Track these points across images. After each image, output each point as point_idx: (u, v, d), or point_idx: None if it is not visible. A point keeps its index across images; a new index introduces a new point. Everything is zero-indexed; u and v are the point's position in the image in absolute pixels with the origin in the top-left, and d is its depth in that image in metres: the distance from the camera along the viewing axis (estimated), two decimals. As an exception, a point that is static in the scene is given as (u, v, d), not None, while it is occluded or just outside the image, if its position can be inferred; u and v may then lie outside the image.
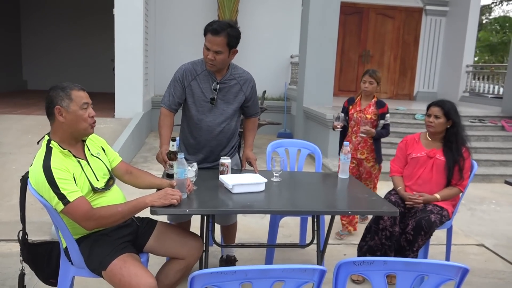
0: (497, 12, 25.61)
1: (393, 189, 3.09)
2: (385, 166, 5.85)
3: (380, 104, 3.65)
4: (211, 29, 2.44)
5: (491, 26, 23.21)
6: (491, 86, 8.93)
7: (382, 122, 3.63)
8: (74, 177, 1.93)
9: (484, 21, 23.42)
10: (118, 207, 1.96)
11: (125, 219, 2.02)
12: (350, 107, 3.73)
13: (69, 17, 11.60)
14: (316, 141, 6.04)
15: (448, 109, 2.89)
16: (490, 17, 24.10)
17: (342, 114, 3.68)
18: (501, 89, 8.63)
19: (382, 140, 6.76)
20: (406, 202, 2.91)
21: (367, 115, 3.62)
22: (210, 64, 2.51)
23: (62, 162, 1.92)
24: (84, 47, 11.68)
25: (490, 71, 9.20)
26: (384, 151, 6.31)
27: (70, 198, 1.86)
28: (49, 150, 1.94)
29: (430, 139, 3.02)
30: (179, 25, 9.34)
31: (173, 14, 9.34)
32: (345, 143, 2.81)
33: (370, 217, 3.46)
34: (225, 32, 2.44)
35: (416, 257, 2.75)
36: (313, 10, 7.05)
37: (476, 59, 21.46)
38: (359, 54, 10.05)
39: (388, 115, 3.64)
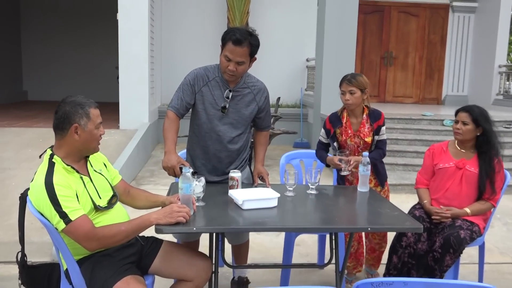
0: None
1: (418, 203, 3.07)
2: (411, 177, 5.85)
3: (374, 116, 3.04)
4: (234, 39, 2.45)
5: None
6: (528, 87, 8.82)
7: (376, 138, 3.04)
8: (76, 195, 1.97)
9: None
10: (121, 226, 1.99)
11: (129, 239, 2.05)
12: (338, 131, 3.07)
13: (71, 25, 11.81)
14: (335, 151, 6.02)
15: (477, 114, 2.86)
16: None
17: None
18: (539, 91, 8.52)
19: (408, 148, 6.62)
20: (433, 217, 2.88)
21: (365, 139, 3.01)
22: (230, 74, 2.55)
23: (64, 178, 1.96)
24: (87, 55, 11.89)
25: (525, 71, 9.09)
26: (409, 160, 6.34)
27: (72, 216, 1.90)
28: (51, 165, 1.99)
29: (459, 148, 3.00)
30: (187, 30, 9.47)
31: (180, 18, 9.47)
32: (364, 153, 2.80)
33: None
34: (247, 42, 2.48)
35: (443, 277, 2.71)
36: (330, 10, 7.08)
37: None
38: (381, 56, 10.03)
39: (384, 127, 3.06)
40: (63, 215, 1.89)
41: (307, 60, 9.71)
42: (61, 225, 1.90)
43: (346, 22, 7.08)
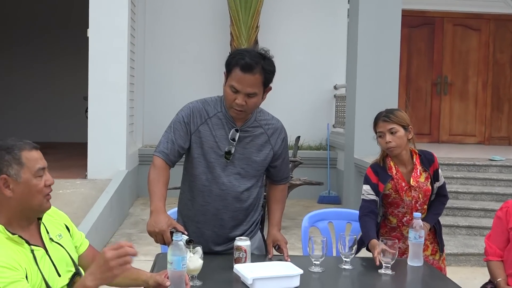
0: None
1: (490, 281, 3.03)
2: (478, 244, 5.75)
3: (427, 160, 3.10)
4: (243, 64, 2.48)
5: None
6: None
7: (437, 185, 3.12)
8: (26, 277, 1.89)
9: None
10: None
11: None
12: (389, 185, 3.02)
13: (24, 42, 11.95)
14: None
15: None
16: None
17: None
18: None
19: (473, 205, 6.55)
20: (511, 302, 2.84)
21: (424, 188, 3.04)
22: (238, 110, 2.56)
23: (9, 254, 1.88)
24: (46, 81, 11.97)
25: None
26: (475, 221, 6.26)
27: None
28: None
29: (542, 206, 2.98)
30: (178, 50, 9.60)
31: (169, 35, 9.62)
32: (416, 214, 2.79)
33: None
34: (259, 67, 2.50)
35: None
36: (364, 23, 7.20)
37: None
38: (433, 82, 10.12)
39: (440, 170, 3.15)
40: None
41: (335, 88, 9.82)
42: None
43: (386, 39, 7.19)
